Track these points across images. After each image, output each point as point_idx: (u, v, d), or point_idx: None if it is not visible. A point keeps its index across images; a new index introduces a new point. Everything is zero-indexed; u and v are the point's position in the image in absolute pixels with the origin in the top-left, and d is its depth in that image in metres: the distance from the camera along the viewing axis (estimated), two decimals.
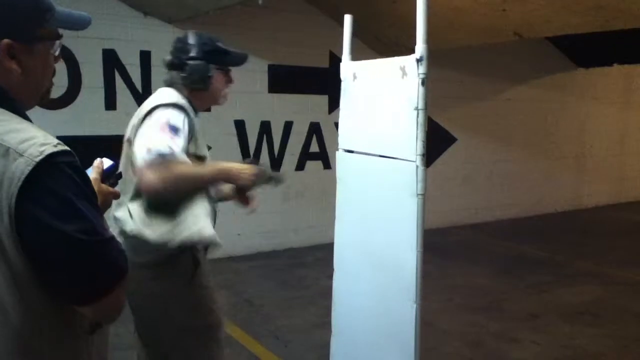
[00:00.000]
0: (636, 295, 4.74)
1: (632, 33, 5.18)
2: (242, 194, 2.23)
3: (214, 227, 2.13)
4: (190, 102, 2.06)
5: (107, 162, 1.35)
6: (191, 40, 2.09)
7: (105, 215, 1.31)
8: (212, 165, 2.08)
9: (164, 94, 2.03)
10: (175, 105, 1.96)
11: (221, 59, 2.14)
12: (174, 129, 1.90)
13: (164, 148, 1.82)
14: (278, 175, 2.15)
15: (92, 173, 1.28)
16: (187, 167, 1.91)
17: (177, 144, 1.86)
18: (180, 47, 2.10)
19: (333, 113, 6.12)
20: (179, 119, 1.93)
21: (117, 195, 1.37)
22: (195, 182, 1.97)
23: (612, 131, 9.02)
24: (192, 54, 2.06)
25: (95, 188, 1.24)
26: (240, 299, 4.60)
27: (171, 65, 2.10)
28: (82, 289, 1.05)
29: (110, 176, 1.36)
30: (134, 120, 2.01)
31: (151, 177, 1.80)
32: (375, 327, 2.38)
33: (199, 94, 2.11)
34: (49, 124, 4.92)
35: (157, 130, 1.88)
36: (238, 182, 2.06)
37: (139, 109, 2.03)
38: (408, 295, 2.14)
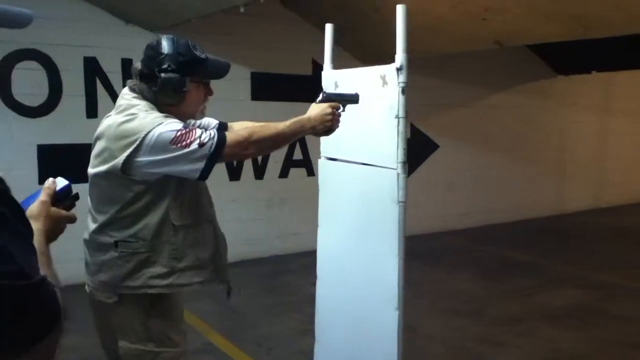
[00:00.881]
0: (617, 299, 4.80)
1: (610, 41, 5.28)
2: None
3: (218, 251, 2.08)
4: None
5: (61, 183, 1.22)
6: (165, 48, 1.85)
7: (60, 239, 1.20)
8: (292, 120, 2.03)
9: (142, 118, 1.82)
10: (157, 125, 1.80)
11: (199, 71, 1.90)
12: (183, 129, 1.80)
13: (205, 140, 1.78)
14: (353, 96, 2.12)
15: (41, 195, 1.17)
16: (259, 127, 1.97)
17: (201, 132, 1.80)
18: (152, 56, 1.87)
19: None
20: (173, 124, 1.81)
21: (71, 219, 1.22)
22: (277, 137, 1.97)
23: (592, 137, 9.16)
24: (165, 65, 1.82)
25: (43, 212, 1.14)
26: (224, 306, 4.58)
27: (142, 76, 1.89)
28: (5, 340, 0.89)
29: (64, 198, 1.22)
30: (107, 143, 1.83)
31: (232, 153, 1.85)
32: (359, 334, 2.39)
33: (172, 109, 1.90)
34: (30, 132, 4.93)
35: (178, 146, 1.77)
36: (325, 128, 2.05)
37: (110, 127, 1.85)
38: (390, 301, 2.16)
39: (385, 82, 2.12)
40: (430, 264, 5.68)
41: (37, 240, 1.06)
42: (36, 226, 1.10)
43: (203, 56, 1.92)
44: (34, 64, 4.77)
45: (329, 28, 2.58)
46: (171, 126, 1.79)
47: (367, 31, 5.66)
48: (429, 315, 4.33)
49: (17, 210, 0.94)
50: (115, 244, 1.87)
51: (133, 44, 5.08)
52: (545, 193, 8.62)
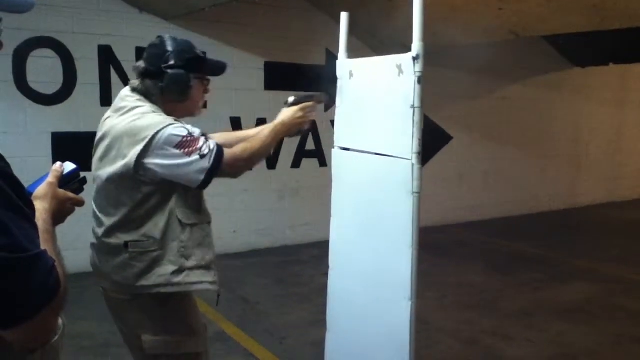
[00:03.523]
0: (629, 294, 4.76)
1: (628, 32, 5.20)
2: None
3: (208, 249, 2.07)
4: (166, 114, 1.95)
5: (69, 166, 1.26)
6: (169, 46, 1.93)
7: (67, 221, 1.23)
8: (268, 128, 2.13)
9: (151, 118, 1.89)
10: (168, 125, 1.87)
11: (201, 68, 2.00)
12: (189, 136, 1.87)
13: (205, 151, 1.87)
14: (320, 97, 2.30)
15: (49, 176, 1.20)
16: (248, 144, 2.04)
17: (203, 143, 1.89)
18: (157, 54, 1.93)
19: (329, 111, 6.11)
20: (181, 128, 1.88)
21: (79, 202, 1.24)
22: (263, 150, 2.08)
23: (607, 130, 9.06)
24: (172, 62, 1.91)
25: (50, 193, 1.17)
26: (236, 296, 4.60)
27: (146, 74, 1.94)
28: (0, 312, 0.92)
29: (72, 181, 1.25)
30: (114, 142, 1.89)
31: (226, 171, 1.95)
32: (370, 325, 2.39)
33: (176, 105, 1.98)
34: (44, 120, 4.97)
35: (184, 152, 1.85)
36: (297, 130, 2.22)
37: (115, 127, 1.91)
38: (403, 292, 2.15)
39: (401, 72, 2.10)
40: (440, 257, 5.66)
41: (42, 219, 1.10)
42: (42, 206, 1.13)
43: (203, 54, 2.03)
44: (49, 52, 4.79)
45: (344, 17, 2.56)
46: (179, 130, 1.86)
47: (381, 21, 5.62)
48: (439, 308, 4.33)
49: (17, 186, 0.96)
50: (126, 245, 1.91)
51: (147, 32, 5.09)
52: (558, 186, 8.56)
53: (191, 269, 1.96)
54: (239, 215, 5.89)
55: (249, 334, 3.82)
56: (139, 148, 1.82)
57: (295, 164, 6.23)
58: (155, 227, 1.90)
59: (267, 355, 3.52)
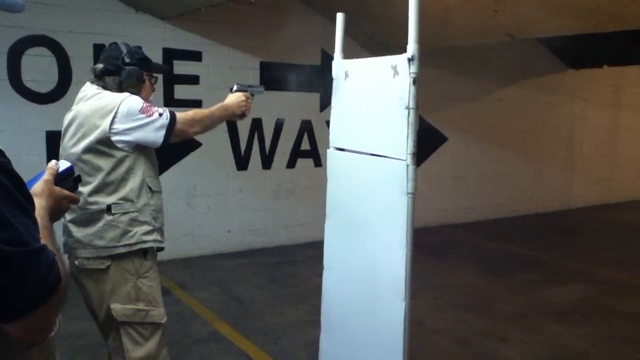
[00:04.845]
0: (623, 295, 4.78)
1: (622, 35, 5.23)
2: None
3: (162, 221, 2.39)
4: None
5: (63, 165, 1.29)
6: (124, 48, 2.33)
7: (63, 219, 1.25)
8: (216, 106, 2.50)
9: (113, 95, 2.25)
10: (128, 96, 2.25)
11: (150, 66, 2.42)
12: (147, 103, 2.25)
13: (161, 112, 2.25)
14: (259, 88, 2.69)
15: (45, 174, 1.22)
16: (198, 110, 2.46)
17: (157, 108, 2.26)
18: (114, 55, 2.31)
19: (324, 111, 6.13)
20: (139, 98, 2.27)
21: (73, 199, 1.28)
22: (210, 117, 2.43)
23: (602, 132, 9.10)
24: (127, 60, 2.30)
25: (47, 190, 1.18)
26: (230, 296, 4.60)
27: (106, 72, 2.29)
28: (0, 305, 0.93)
29: (66, 179, 1.29)
30: (83, 120, 2.22)
31: (182, 129, 2.30)
32: (365, 325, 2.39)
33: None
34: (39, 119, 4.95)
35: (145, 115, 2.21)
36: (241, 112, 2.55)
37: (81, 111, 2.25)
38: (397, 293, 2.15)
39: (396, 72, 2.10)
40: (434, 258, 5.67)
41: (41, 216, 1.11)
42: (40, 203, 1.14)
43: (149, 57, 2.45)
44: (43, 51, 4.77)
45: (340, 17, 2.56)
46: (138, 99, 2.26)
47: (377, 21, 5.63)
48: (433, 309, 4.33)
49: (18, 181, 0.97)
50: (108, 208, 2.21)
51: (143, 32, 5.09)
52: (553, 188, 8.59)
53: (159, 230, 2.34)
54: (234, 215, 5.89)
55: (243, 333, 3.81)
56: (110, 117, 2.17)
57: (291, 164, 6.23)
58: (131, 191, 2.23)
59: (261, 355, 3.52)
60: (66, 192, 1.26)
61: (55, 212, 1.20)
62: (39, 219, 1.05)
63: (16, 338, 0.99)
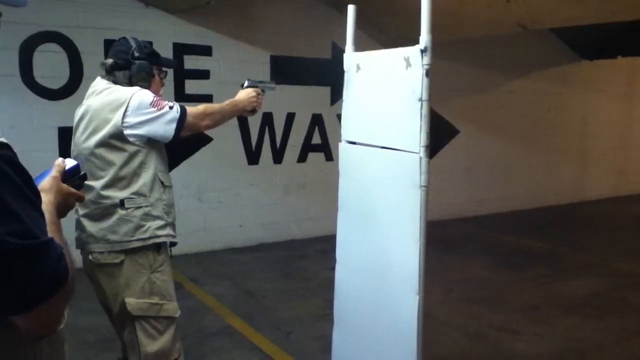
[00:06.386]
0: (637, 288, 4.74)
1: (637, 25, 5.14)
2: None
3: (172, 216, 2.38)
4: None
5: (70, 162, 1.31)
6: (132, 43, 2.34)
7: (69, 216, 1.26)
8: (227, 101, 2.52)
9: (123, 89, 2.25)
10: (138, 90, 2.25)
11: (159, 61, 2.44)
12: (157, 97, 2.25)
13: (172, 105, 2.25)
14: (271, 83, 2.70)
15: (52, 171, 1.24)
16: (209, 104, 2.45)
17: (168, 101, 2.27)
18: (123, 50, 2.32)
19: (335, 104, 6.10)
20: (149, 92, 2.27)
21: (79, 197, 1.30)
22: (221, 112, 2.44)
23: (615, 124, 8.99)
24: (137, 54, 2.31)
25: (55, 187, 1.20)
26: (242, 290, 4.61)
27: (115, 67, 2.30)
28: (9, 298, 0.93)
29: (73, 177, 1.31)
30: (95, 115, 2.22)
31: (193, 122, 2.30)
32: (377, 319, 2.38)
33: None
34: (51, 115, 4.97)
35: (156, 108, 2.21)
36: (252, 108, 2.56)
37: (92, 105, 2.25)
38: (410, 286, 2.14)
39: (409, 64, 2.08)
40: (446, 251, 5.65)
41: (49, 211, 1.12)
42: (47, 199, 1.16)
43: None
44: (55, 47, 4.79)
45: (351, 9, 2.54)
46: (149, 93, 2.25)
47: (387, 14, 5.59)
48: (445, 302, 4.32)
49: (26, 176, 0.98)
50: (122, 202, 2.21)
51: (153, 26, 5.09)
52: (565, 180, 8.51)
53: (171, 224, 2.34)
54: (245, 210, 5.90)
55: (255, 328, 3.82)
56: (121, 110, 2.17)
57: (302, 158, 6.22)
58: (144, 185, 2.23)
59: (273, 349, 3.52)
60: (72, 189, 1.28)
61: (62, 208, 1.22)
62: (47, 214, 1.06)
63: (25, 330, 1.00)
